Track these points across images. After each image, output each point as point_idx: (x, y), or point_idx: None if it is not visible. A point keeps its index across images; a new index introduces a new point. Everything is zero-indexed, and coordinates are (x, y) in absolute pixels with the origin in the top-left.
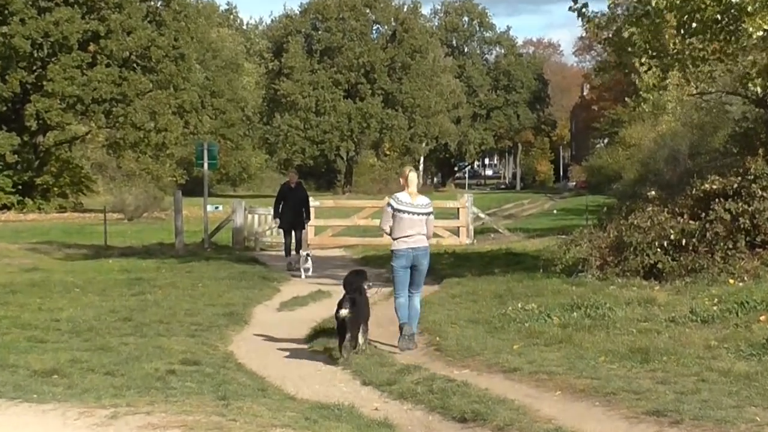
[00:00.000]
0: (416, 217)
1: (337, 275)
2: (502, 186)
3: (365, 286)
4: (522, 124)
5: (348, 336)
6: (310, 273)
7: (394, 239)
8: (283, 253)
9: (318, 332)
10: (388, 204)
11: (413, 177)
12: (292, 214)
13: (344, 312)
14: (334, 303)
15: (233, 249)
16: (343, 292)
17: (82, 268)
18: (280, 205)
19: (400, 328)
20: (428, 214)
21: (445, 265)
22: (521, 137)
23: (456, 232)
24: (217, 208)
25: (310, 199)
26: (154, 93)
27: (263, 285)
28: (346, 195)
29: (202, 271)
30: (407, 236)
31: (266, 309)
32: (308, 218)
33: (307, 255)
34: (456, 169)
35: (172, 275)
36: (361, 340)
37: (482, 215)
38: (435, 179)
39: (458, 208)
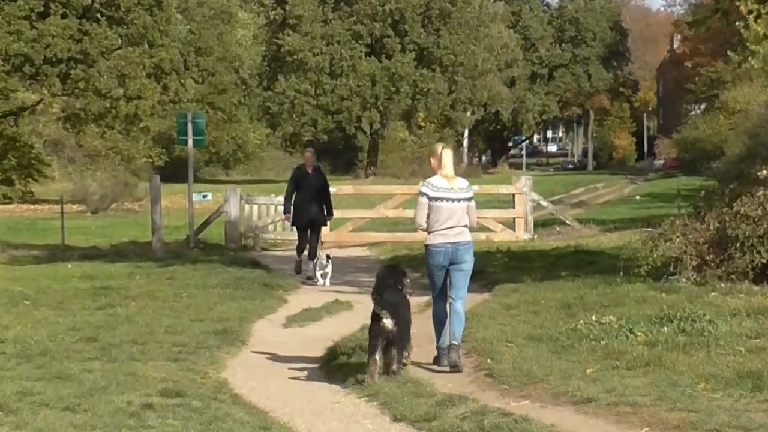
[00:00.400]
0: (457, 205)
1: (358, 282)
2: (570, 166)
3: (405, 289)
4: (594, 86)
5: (379, 354)
6: (329, 279)
7: (429, 233)
8: (290, 253)
9: (335, 354)
10: (422, 193)
11: (448, 156)
12: (310, 208)
13: (388, 323)
14: (355, 317)
15: (226, 249)
16: (374, 298)
17: (33, 274)
18: (293, 197)
19: (438, 350)
20: (470, 199)
21: (497, 267)
22: (594, 103)
23: (511, 224)
24: (205, 197)
25: None
26: (124, 51)
27: (265, 294)
28: (369, 179)
29: (187, 277)
30: (446, 228)
31: (269, 325)
32: (330, 214)
33: (328, 257)
34: (510, 144)
35: (148, 283)
36: (394, 365)
37: (544, 203)
38: (483, 158)
39: (514, 195)
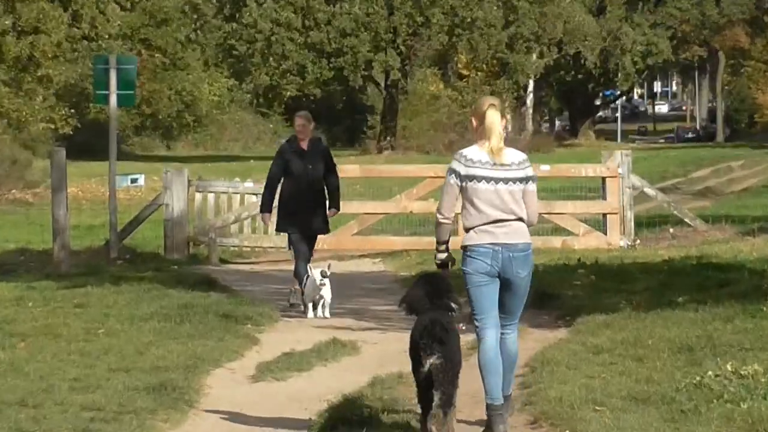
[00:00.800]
0: (504, 188)
1: (367, 311)
2: (689, 135)
3: (454, 314)
4: (726, 14)
5: (438, 400)
6: (327, 309)
7: (466, 229)
8: (266, 268)
9: (335, 420)
10: (450, 171)
11: (493, 117)
12: (306, 204)
13: (434, 360)
14: (363, 363)
15: (166, 261)
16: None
17: None
18: (280, 185)
19: (488, 407)
20: (527, 180)
21: (579, 290)
22: (725, 40)
23: (600, 224)
24: (134, 181)
25: None
26: None
27: (225, 331)
28: (384, 155)
29: (105, 303)
30: (491, 223)
31: (231, 377)
32: (336, 207)
33: (324, 274)
34: (598, 103)
35: (46, 313)
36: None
37: (651, 191)
38: (557, 123)
39: (604, 179)
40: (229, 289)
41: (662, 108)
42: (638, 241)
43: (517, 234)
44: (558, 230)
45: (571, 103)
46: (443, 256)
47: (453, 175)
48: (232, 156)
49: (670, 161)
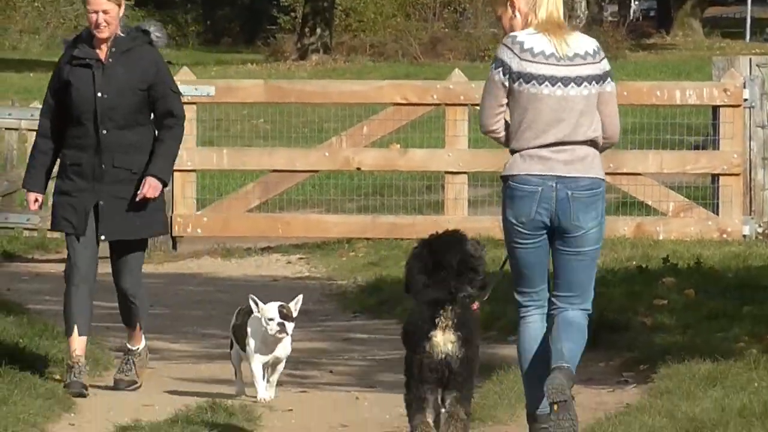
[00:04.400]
0: (576, 92)
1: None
2: None
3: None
4: None
5: (452, 401)
6: (274, 383)
7: (512, 151)
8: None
9: None
10: (497, 64)
11: None
12: (105, 175)
13: (448, 339)
14: None
15: None
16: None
17: None
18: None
19: (530, 417)
20: (604, 78)
21: (663, 315)
22: None
23: (706, 195)
24: None
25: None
26: None
27: (14, 385)
28: (311, 60)
29: None
30: (548, 146)
31: None
32: (161, 175)
33: (284, 313)
34: None
35: None
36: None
37: None
38: (634, 3)
39: (715, 110)
40: (20, 308)
41: None
42: None
43: (584, 164)
44: (629, 205)
45: None
46: None
47: (501, 70)
48: (27, 61)
49: None
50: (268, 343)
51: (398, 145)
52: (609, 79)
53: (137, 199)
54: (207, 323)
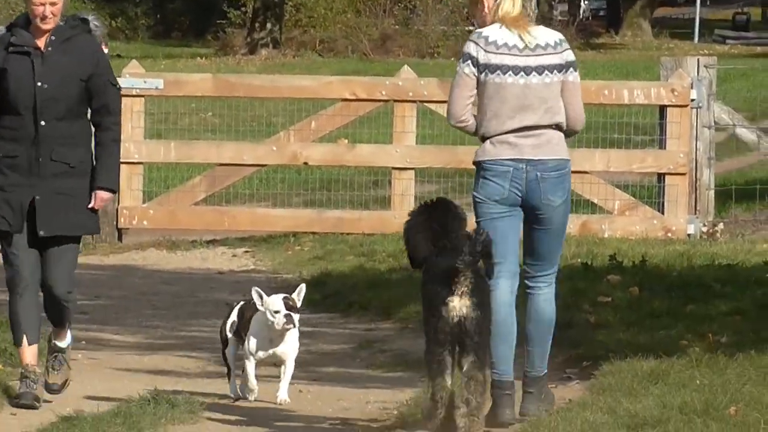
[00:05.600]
0: (538, 81)
1: (216, 341)
2: None
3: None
4: None
5: (470, 365)
6: (286, 384)
7: (482, 138)
8: None
9: None
10: (465, 57)
11: None
12: (41, 168)
13: (462, 303)
14: None
15: None
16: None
17: None
18: None
19: (493, 384)
20: (567, 67)
21: (607, 313)
22: None
23: (651, 194)
24: None
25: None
26: None
27: None
28: (261, 55)
29: None
30: (515, 131)
31: None
32: (110, 185)
33: (289, 304)
34: None
35: None
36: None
37: (747, 133)
38: (584, 3)
39: (662, 109)
40: None
41: None
42: (721, 226)
43: (550, 146)
44: (574, 202)
45: None
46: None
47: (469, 63)
48: None
49: None
50: (273, 340)
51: (346, 141)
52: (572, 69)
53: (89, 207)
54: (151, 315)
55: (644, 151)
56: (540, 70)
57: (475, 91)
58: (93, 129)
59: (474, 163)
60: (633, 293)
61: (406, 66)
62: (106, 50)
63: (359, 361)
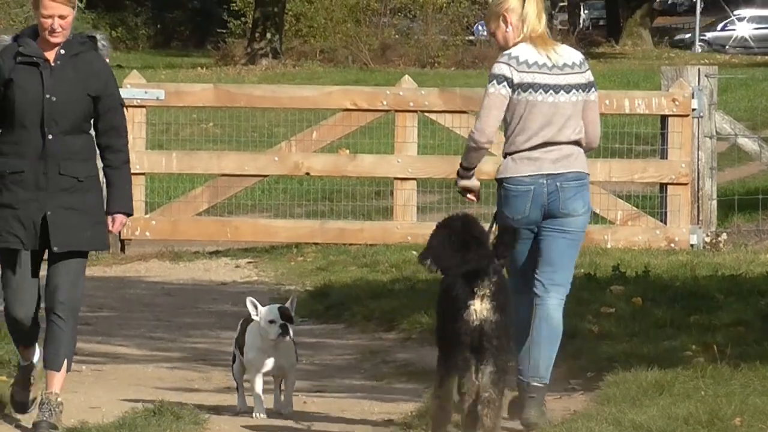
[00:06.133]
0: (566, 99)
1: (219, 352)
2: None
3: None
4: None
5: (489, 375)
6: (290, 399)
7: (506, 154)
8: None
9: None
10: (496, 78)
11: (534, 5)
12: (48, 182)
13: (482, 307)
14: None
15: None
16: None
17: None
18: None
19: (519, 385)
20: (589, 87)
21: (610, 323)
22: None
23: (653, 204)
24: None
25: (131, 91)
26: None
27: None
28: (261, 65)
29: None
30: (538, 147)
31: None
32: (125, 208)
33: (284, 313)
34: None
35: None
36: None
37: (750, 143)
38: (584, 13)
39: (663, 119)
40: None
41: None
42: (724, 236)
43: (569, 161)
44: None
45: None
46: (469, 182)
47: (503, 83)
48: None
49: None
50: (269, 351)
51: (347, 151)
52: (593, 89)
53: (110, 230)
54: (154, 326)
55: (646, 161)
56: (567, 89)
57: (507, 109)
58: (100, 150)
59: (496, 179)
60: (636, 304)
61: (406, 76)
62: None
63: (363, 372)
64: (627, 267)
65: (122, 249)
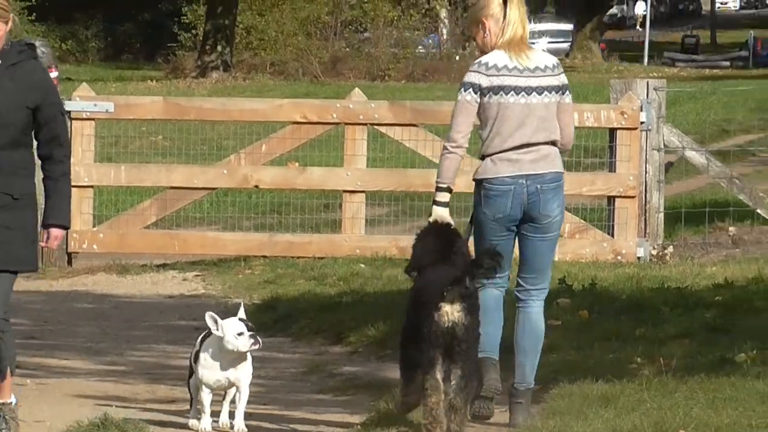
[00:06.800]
0: (539, 100)
1: (168, 366)
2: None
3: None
4: None
5: (458, 379)
6: (242, 412)
7: (483, 156)
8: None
9: None
10: (466, 86)
11: (517, 11)
12: None
13: (452, 309)
14: None
15: None
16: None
17: None
18: None
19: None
20: (563, 89)
21: (556, 336)
22: None
23: (601, 217)
24: None
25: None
26: None
27: None
28: (211, 78)
29: None
30: (515, 149)
31: None
32: (62, 221)
33: (248, 326)
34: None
35: None
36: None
37: (697, 156)
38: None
39: (611, 132)
40: None
41: (729, 3)
42: (671, 249)
43: (547, 161)
44: None
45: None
46: (443, 214)
47: (470, 90)
48: None
49: (737, 102)
50: (225, 366)
51: (297, 164)
52: (567, 92)
53: (43, 245)
54: (101, 339)
55: (594, 173)
56: (540, 90)
57: (475, 118)
58: (41, 161)
59: (475, 180)
60: (583, 316)
61: (356, 89)
62: (56, 74)
63: (310, 385)
64: (574, 280)
65: (69, 262)
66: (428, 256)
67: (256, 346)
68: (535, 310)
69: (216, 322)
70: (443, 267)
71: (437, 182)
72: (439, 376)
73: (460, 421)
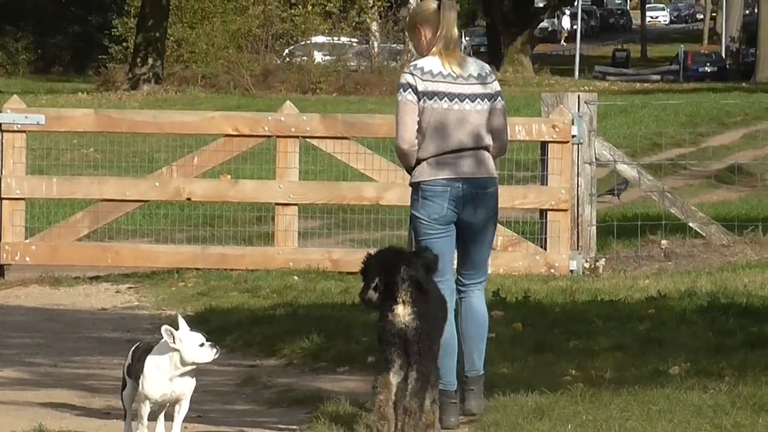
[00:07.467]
0: (471, 107)
1: (102, 377)
2: (708, 68)
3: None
4: None
5: (413, 381)
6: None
7: (418, 161)
8: None
9: None
10: (404, 87)
11: (450, 17)
12: None
13: (404, 312)
14: None
15: None
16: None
17: None
18: None
19: (443, 396)
20: (495, 96)
21: (490, 349)
22: None
23: (533, 230)
24: None
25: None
26: None
27: None
28: (143, 90)
29: None
30: (452, 153)
31: None
32: None
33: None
34: (541, 5)
35: None
36: (427, 401)
37: (629, 169)
38: (465, 39)
39: (543, 145)
40: None
41: (660, 17)
42: (603, 262)
43: (483, 166)
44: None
45: (490, 3)
46: None
47: (410, 90)
48: None
49: (668, 116)
50: (172, 379)
51: (229, 176)
52: (500, 98)
53: None
54: (34, 351)
55: (526, 187)
56: (473, 98)
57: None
58: None
59: (411, 184)
60: (516, 329)
61: (288, 101)
62: None
63: (244, 398)
64: (507, 292)
65: (2, 274)
66: (378, 265)
67: (218, 355)
68: (476, 299)
69: (172, 335)
70: (395, 269)
71: (406, 169)
72: (392, 376)
73: (413, 425)
